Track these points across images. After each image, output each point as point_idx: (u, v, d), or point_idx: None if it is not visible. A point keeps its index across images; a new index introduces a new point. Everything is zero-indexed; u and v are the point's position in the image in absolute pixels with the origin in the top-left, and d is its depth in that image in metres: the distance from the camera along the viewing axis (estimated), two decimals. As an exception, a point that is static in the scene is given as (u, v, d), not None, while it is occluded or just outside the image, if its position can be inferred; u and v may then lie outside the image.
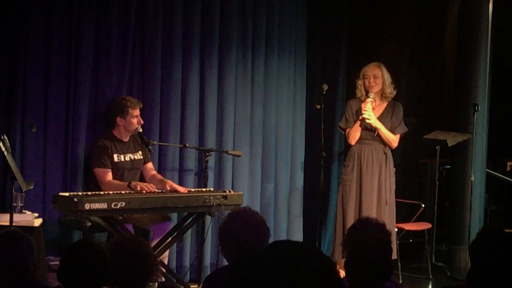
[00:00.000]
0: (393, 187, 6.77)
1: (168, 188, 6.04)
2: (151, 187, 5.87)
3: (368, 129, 6.69)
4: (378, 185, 6.66)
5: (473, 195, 7.49)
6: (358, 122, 6.69)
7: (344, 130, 6.87)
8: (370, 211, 6.54)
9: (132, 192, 5.82)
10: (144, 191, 5.80)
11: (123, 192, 5.80)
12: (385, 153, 6.72)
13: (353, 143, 6.75)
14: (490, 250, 3.33)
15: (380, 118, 6.71)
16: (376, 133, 6.68)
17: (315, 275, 1.72)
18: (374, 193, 6.64)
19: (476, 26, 7.71)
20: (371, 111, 6.63)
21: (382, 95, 6.75)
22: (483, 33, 7.68)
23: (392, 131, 6.72)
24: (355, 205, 6.66)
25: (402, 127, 6.78)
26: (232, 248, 3.67)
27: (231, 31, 7.09)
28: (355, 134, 6.72)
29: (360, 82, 6.75)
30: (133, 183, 5.92)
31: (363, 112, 6.63)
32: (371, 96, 6.65)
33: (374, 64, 6.77)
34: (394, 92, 6.79)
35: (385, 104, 6.78)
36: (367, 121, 6.62)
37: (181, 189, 6.08)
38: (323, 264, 1.75)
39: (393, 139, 6.72)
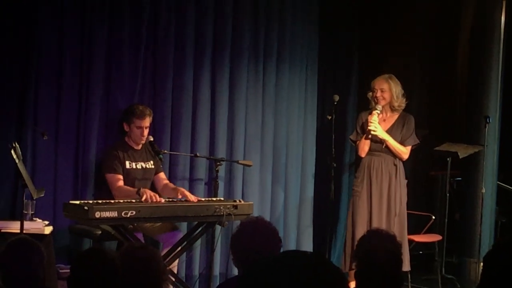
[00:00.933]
0: (404, 199, 6.72)
1: (180, 195, 6.04)
2: (157, 198, 5.85)
3: (377, 141, 6.67)
4: (388, 197, 6.64)
5: (483, 207, 7.46)
6: (368, 135, 6.68)
7: (355, 142, 6.86)
8: (380, 222, 6.52)
9: (139, 198, 5.81)
10: (149, 201, 5.77)
11: (133, 200, 5.80)
12: (395, 165, 6.68)
13: (363, 155, 6.73)
14: (504, 263, 3.27)
15: (390, 130, 6.70)
16: (384, 145, 6.66)
17: (324, 285, 1.72)
18: (383, 205, 6.62)
19: (489, 38, 7.70)
20: (377, 123, 6.61)
21: (391, 107, 6.74)
22: (495, 45, 7.67)
23: (402, 142, 6.70)
24: (365, 216, 6.64)
25: (413, 139, 6.75)
26: (244, 257, 3.66)
27: (243, 41, 7.10)
28: (363, 146, 6.71)
29: (370, 94, 6.75)
30: (141, 190, 5.90)
31: (369, 124, 6.62)
32: (378, 108, 6.64)
33: (383, 77, 6.73)
34: (404, 104, 6.75)
35: (396, 116, 6.76)
36: (372, 132, 6.61)
37: (192, 197, 6.07)
38: (332, 275, 1.75)
39: (403, 151, 6.69)
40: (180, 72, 6.77)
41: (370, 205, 6.63)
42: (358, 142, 6.78)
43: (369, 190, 6.65)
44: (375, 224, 6.48)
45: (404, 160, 6.74)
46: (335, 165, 6.99)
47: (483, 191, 7.41)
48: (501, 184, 8.09)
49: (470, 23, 8.16)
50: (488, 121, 7.30)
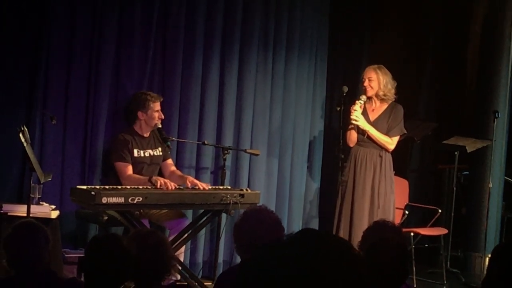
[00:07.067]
0: (390, 190, 6.61)
1: (189, 184, 6.04)
2: (170, 185, 5.85)
3: (362, 132, 6.63)
4: (372, 188, 6.55)
5: (490, 202, 7.46)
6: (351, 125, 6.65)
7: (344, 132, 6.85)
8: (361, 213, 6.49)
9: (152, 187, 5.82)
10: (164, 188, 5.78)
11: (140, 187, 5.80)
12: (381, 156, 6.59)
13: (351, 145, 6.70)
14: None
15: (377, 120, 6.64)
16: (365, 135, 6.61)
17: (343, 266, 1.69)
18: (366, 196, 6.54)
19: (499, 33, 7.69)
20: (359, 113, 6.58)
21: (378, 96, 6.68)
22: (505, 40, 7.66)
23: (388, 132, 6.65)
24: (349, 207, 6.58)
25: (399, 129, 6.65)
26: (247, 246, 3.67)
27: (253, 30, 7.08)
28: (350, 136, 6.68)
29: (360, 85, 6.74)
30: (154, 178, 5.90)
31: (351, 114, 6.59)
32: (362, 99, 6.61)
33: (371, 67, 6.70)
34: (392, 94, 6.65)
35: (385, 106, 6.69)
36: (354, 122, 6.58)
37: (203, 185, 6.07)
38: (351, 256, 1.72)
39: (388, 141, 6.61)
40: (189, 60, 6.76)
41: (353, 196, 6.61)
42: (345, 132, 6.76)
43: (354, 181, 6.62)
44: (356, 215, 6.48)
45: (389, 151, 6.64)
46: (342, 156, 6.96)
47: (490, 185, 7.41)
48: (508, 179, 8.07)
49: (481, 19, 8.14)
50: (496, 115, 7.30)
